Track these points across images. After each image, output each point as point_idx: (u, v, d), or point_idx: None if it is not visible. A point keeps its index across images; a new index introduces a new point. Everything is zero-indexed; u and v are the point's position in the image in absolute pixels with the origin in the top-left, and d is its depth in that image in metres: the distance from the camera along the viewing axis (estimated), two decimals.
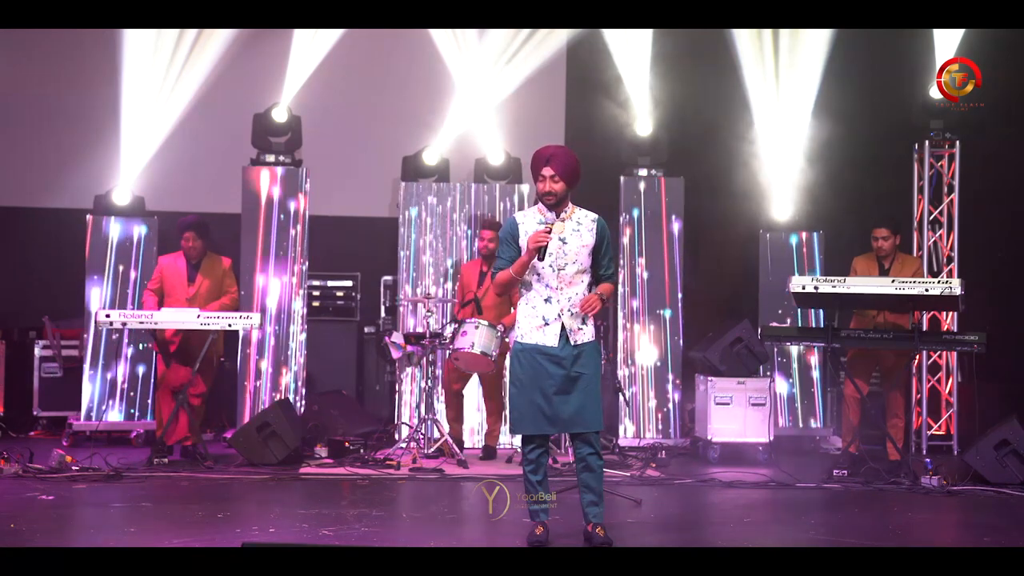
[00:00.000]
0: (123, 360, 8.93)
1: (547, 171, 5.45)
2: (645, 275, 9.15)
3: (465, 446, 8.43)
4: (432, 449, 8.17)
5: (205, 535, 5.67)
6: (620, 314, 9.16)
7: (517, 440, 7.16)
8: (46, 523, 5.93)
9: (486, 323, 7.74)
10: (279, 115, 9.13)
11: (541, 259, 5.39)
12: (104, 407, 8.85)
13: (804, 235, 9.37)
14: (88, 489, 6.94)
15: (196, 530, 5.79)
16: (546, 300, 5.45)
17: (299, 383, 9.00)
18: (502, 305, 8.10)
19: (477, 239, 8.54)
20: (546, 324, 5.43)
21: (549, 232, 5.37)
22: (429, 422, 8.27)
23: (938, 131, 9.34)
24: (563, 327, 5.43)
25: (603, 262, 5.55)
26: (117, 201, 9.07)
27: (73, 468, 7.34)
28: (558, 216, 5.46)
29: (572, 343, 5.43)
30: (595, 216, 5.57)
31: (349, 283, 10.14)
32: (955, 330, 8.77)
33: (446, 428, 8.30)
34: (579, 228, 5.49)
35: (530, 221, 5.49)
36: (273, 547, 4.61)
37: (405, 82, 10.38)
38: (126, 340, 8.91)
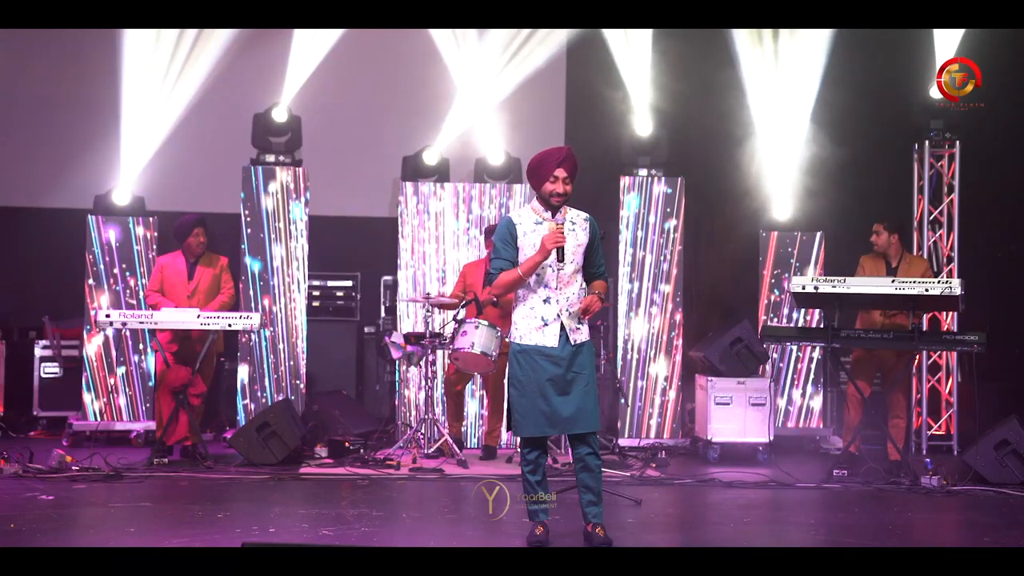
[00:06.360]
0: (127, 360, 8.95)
1: (560, 172, 5.39)
2: (645, 275, 9.15)
3: (464, 446, 8.43)
4: (432, 449, 8.17)
5: (205, 535, 5.67)
6: (620, 313, 9.16)
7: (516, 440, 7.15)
8: (46, 523, 5.92)
9: (486, 323, 7.73)
10: (279, 115, 9.13)
11: (561, 260, 5.37)
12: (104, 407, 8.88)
13: (804, 235, 9.37)
14: (88, 489, 6.94)
15: (196, 530, 5.79)
16: (545, 300, 5.44)
17: (299, 383, 9.00)
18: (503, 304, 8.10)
19: (487, 245, 8.45)
20: (545, 324, 5.43)
21: (563, 232, 5.35)
22: (429, 422, 8.27)
23: (938, 131, 9.35)
24: (562, 327, 5.43)
25: (596, 260, 5.56)
26: (117, 201, 9.06)
27: (73, 468, 7.34)
28: (554, 216, 5.45)
29: (572, 343, 5.43)
30: (586, 215, 5.56)
31: (349, 283, 10.15)
32: (955, 330, 8.78)
33: (446, 428, 8.30)
34: (574, 227, 5.48)
35: (527, 221, 5.47)
36: (273, 547, 4.61)
37: (405, 82, 10.38)
38: (130, 341, 8.92)
